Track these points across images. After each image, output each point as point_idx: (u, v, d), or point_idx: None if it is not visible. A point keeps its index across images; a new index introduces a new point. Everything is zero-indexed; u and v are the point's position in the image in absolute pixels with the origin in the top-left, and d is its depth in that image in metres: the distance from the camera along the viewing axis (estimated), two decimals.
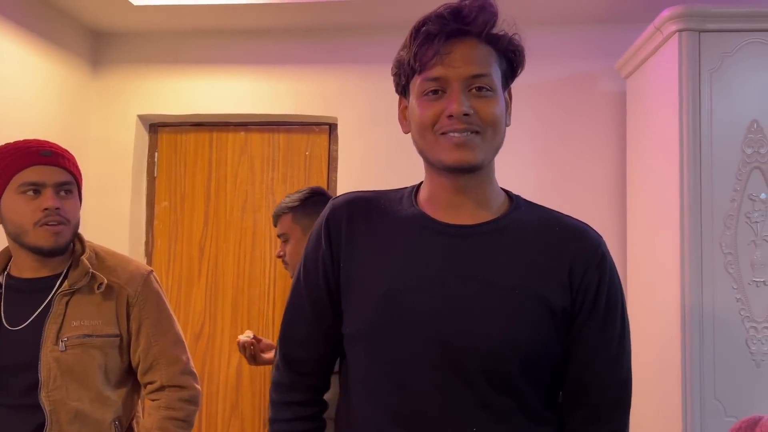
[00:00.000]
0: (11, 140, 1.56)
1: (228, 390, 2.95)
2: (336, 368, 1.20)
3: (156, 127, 3.08)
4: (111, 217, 2.95)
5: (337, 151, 2.94)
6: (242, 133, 3.03)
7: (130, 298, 1.54)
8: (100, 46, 3.03)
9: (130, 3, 2.67)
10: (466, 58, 1.04)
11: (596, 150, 2.77)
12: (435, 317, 1.04)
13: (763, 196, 2.06)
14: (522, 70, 1.13)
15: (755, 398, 2.00)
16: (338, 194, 2.99)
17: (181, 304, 2.99)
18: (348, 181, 2.87)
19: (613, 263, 1.12)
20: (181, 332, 1.60)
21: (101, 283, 1.52)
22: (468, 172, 1.07)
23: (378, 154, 2.85)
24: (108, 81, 3.02)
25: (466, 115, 1.03)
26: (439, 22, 1.04)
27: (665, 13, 2.15)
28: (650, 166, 2.39)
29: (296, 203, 1.98)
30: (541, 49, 2.75)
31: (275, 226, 2.04)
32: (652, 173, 2.36)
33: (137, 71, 3.01)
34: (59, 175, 1.51)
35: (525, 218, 1.11)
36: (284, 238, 2.00)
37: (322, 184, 2.97)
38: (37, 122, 2.64)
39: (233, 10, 2.72)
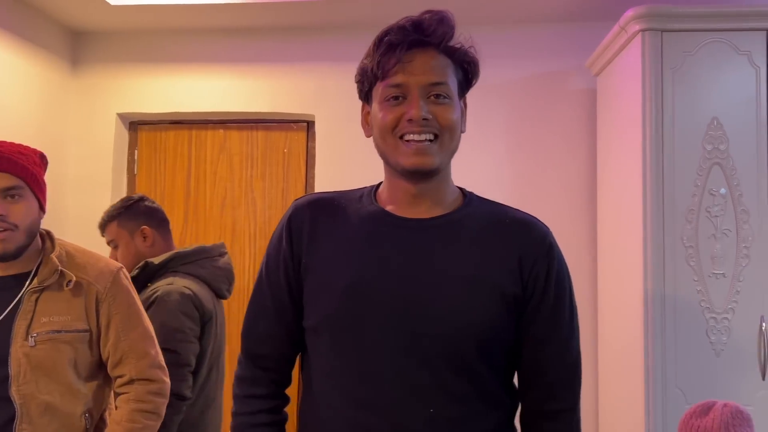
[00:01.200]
0: None
1: None
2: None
3: (135, 125, 3.11)
4: (91, 215, 2.95)
5: (314, 148, 2.98)
6: (221, 130, 3.07)
7: (99, 294, 1.58)
8: (78, 45, 3.05)
9: (107, 3, 2.69)
10: (425, 67, 1.11)
11: (568, 146, 2.83)
12: (395, 305, 1.10)
13: (722, 191, 2.12)
14: (476, 81, 1.20)
15: (715, 386, 2.07)
16: (315, 191, 3.01)
17: None
18: (326, 178, 2.92)
19: (560, 252, 1.20)
20: (150, 327, 1.65)
21: (70, 281, 1.55)
22: (426, 176, 1.14)
23: (355, 151, 2.89)
24: (87, 80, 3.05)
25: (425, 119, 1.10)
26: (401, 32, 1.11)
27: (629, 13, 2.21)
28: (617, 162, 2.45)
29: (120, 210, 2.11)
30: (514, 46, 2.80)
31: (103, 235, 2.15)
32: (620, 169, 2.42)
33: (116, 70, 3.04)
34: (3, 181, 1.50)
35: (477, 212, 1.19)
36: (113, 244, 2.13)
37: (301, 181, 3.02)
38: (17, 121, 2.66)
39: (211, 9, 2.75)
